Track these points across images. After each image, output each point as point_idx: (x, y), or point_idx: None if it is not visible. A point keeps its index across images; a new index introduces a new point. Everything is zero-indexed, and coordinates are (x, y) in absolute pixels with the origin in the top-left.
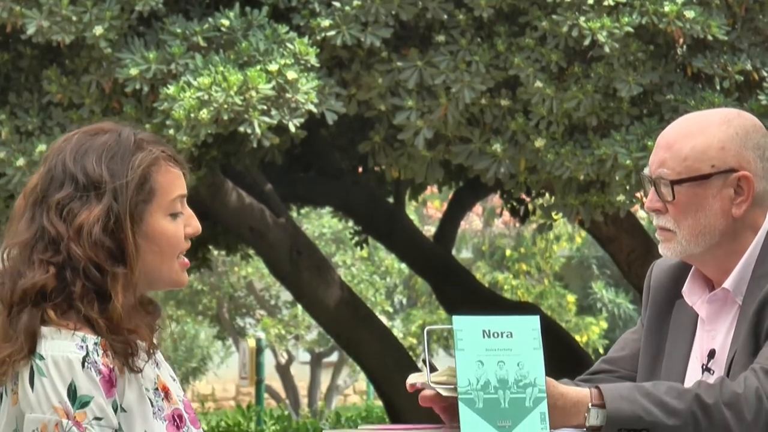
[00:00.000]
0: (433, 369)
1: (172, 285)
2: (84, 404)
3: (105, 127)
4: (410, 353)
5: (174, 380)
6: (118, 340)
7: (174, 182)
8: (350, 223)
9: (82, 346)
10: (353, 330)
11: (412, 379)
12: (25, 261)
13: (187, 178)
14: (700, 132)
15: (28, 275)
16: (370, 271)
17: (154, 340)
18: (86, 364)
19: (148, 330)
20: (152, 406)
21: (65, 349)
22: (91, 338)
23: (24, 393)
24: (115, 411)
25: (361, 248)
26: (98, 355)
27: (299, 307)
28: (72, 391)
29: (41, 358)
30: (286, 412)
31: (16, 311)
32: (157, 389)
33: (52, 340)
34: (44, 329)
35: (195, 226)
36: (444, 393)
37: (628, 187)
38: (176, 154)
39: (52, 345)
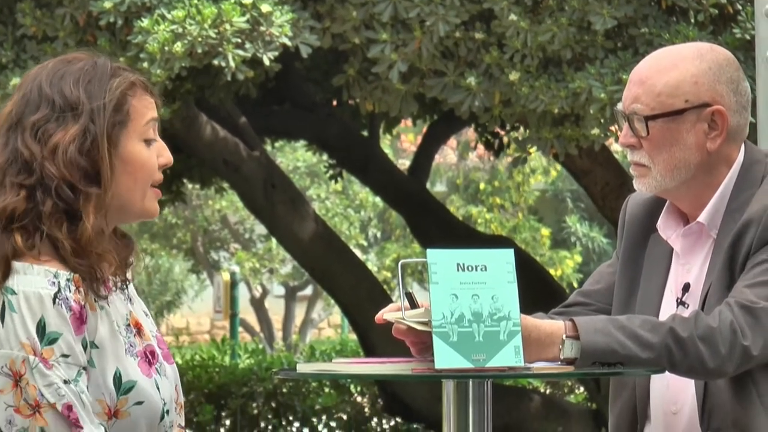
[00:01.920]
0: (411, 300)
1: (144, 214)
2: (52, 341)
3: (80, 56)
4: (385, 287)
5: (147, 316)
6: (84, 264)
7: (147, 107)
8: (324, 157)
9: (54, 282)
10: (327, 263)
11: (388, 315)
12: None
13: (159, 108)
14: (673, 67)
15: None
16: (344, 205)
17: (128, 275)
18: (57, 300)
19: (115, 256)
20: (124, 342)
21: (37, 285)
22: (64, 274)
23: None
24: (85, 348)
25: (336, 182)
26: (70, 291)
27: (273, 240)
28: (41, 328)
29: (13, 293)
30: (260, 346)
31: None
32: (128, 325)
33: (24, 275)
34: (17, 264)
35: (167, 156)
36: (418, 327)
37: (602, 121)
38: (150, 84)
39: (25, 280)
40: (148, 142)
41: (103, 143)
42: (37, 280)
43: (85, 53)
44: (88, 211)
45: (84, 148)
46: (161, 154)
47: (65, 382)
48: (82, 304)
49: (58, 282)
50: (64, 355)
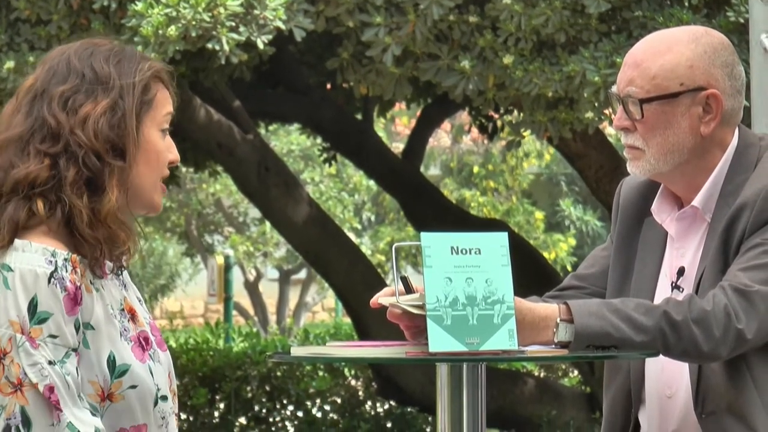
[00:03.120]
0: (406, 284)
1: (150, 207)
2: (42, 320)
3: (105, 41)
4: (379, 270)
5: (141, 303)
6: (92, 238)
7: (167, 99)
8: (318, 140)
9: (51, 261)
10: (321, 247)
11: (383, 299)
12: (19, 153)
13: (174, 103)
14: (668, 50)
15: (21, 166)
16: (338, 188)
17: (123, 263)
18: (53, 279)
19: (129, 234)
20: (118, 326)
21: (33, 263)
22: (62, 253)
23: None
24: (77, 329)
25: (330, 165)
26: (66, 271)
27: (267, 224)
28: (33, 306)
29: (9, 270)
30: (254, 330)
31: (5, 201)
32: (123, 310)
33: (23, 252)
34: (17, 242)
35: (176, 154)
36: (413, 311)
37: (596, 104)
38: (172, 79)
39: (22, 258)
40: (163, 132)
41: (132, 120)
42: (35, 258)
43: (109, 40)
44: (112, 183)
45: (113, 122)
46: (170, 151)
47: (50, 362)
48: (77, 285)
49: (55, 261)
50: (52, 336)
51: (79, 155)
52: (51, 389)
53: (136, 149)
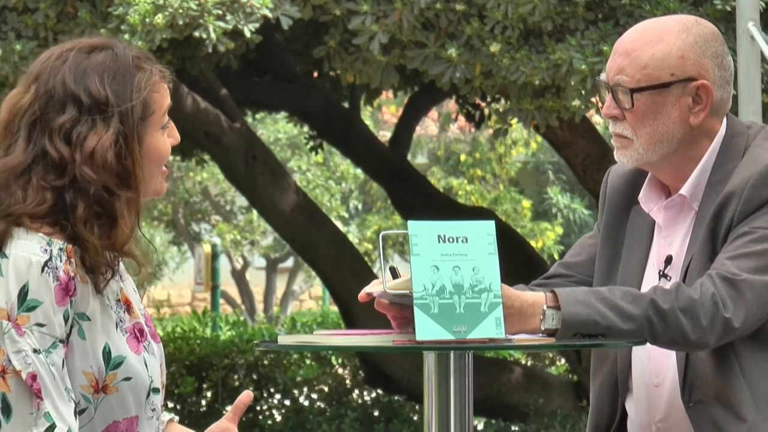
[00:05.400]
0: (394, 274)
1: (154, 194)
2: (31, 308)
3: (96, 43)
4: (366, 258)
5: (135, 293)
6: (103, 263)
7: (164, 96)
8: (305, 128)
9: (46, 250)
10: (308, 235)
11: (370, 288)
12: (17, 180)
13: (170, 89)
14: (659, 39)
15: (19, 197)
16: (325, 177)
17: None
18: (46, 268)
19: (143, 256)
20: (114, 317)
21: (29, 251)
22: (57, 243)
23: None
24: (66, 320)
25: (317, 153)
26: (61, 260)
27: (254, 212)
28: (23, 293)
29: (5, 256)
30: (241, 318)
31: None
32: (119, 301)
33: (18, 240)
34: (15, 229)
35: (176, 136)
36: (402, 292)
37: (583, 92)
38: (165, 69)
39: (18, 245)
40: (164, 129)
41: (135, 146)
42: (30, 246)
43: (103, 39)
44: (124, 214)
45: (118, 151)
46: (171, 135)
47: (35, 351)
48: (71, 276)
49: (51, 250)
50: (39, 324)
51: (89, 190)
52: (34, 377)
53: (142, 171)
